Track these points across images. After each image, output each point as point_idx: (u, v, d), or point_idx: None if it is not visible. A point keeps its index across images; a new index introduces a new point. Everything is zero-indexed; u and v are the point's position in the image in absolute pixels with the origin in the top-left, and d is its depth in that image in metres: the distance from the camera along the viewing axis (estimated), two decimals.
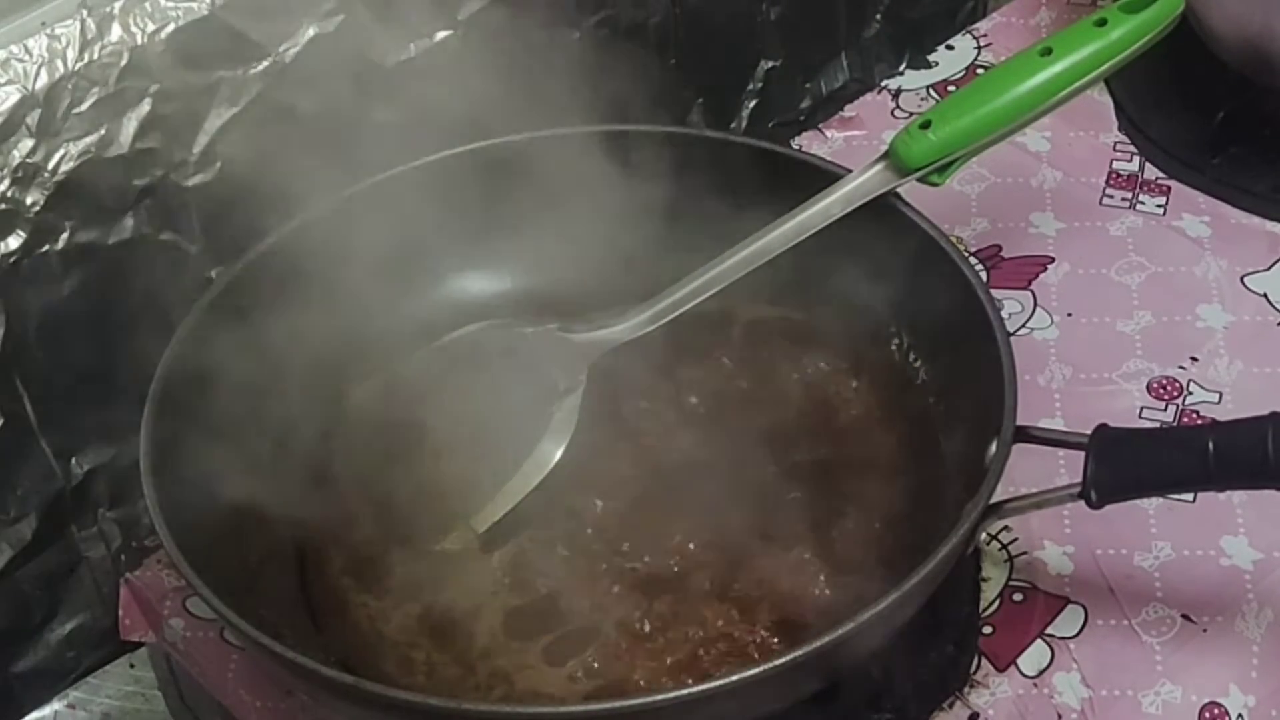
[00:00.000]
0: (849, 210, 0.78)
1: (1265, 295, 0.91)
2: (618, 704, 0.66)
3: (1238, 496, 0.80)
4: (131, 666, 0.86)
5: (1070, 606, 0.77)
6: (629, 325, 0.78)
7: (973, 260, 0.86)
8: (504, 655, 0.72)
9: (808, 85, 1.09)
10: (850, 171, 0.79)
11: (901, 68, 1.09)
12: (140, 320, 0.81)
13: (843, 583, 0.73)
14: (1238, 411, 0.82)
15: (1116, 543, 0.79)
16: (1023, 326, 0.90)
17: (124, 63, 0.77)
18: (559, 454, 0.76)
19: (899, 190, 0.79)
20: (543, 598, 0.74)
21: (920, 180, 0.78)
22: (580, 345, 0.78)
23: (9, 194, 0.75)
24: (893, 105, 1.06)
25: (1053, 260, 0.94)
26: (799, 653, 0.62)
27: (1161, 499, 0.80)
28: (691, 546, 0.75)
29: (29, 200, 0.76)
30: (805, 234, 0.78)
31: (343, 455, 0.79)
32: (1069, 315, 0.91)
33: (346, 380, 0.83)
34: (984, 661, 0.75)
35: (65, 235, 0.77)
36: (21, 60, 0.74)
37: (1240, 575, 0.78)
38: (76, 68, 0.75)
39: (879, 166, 0.78)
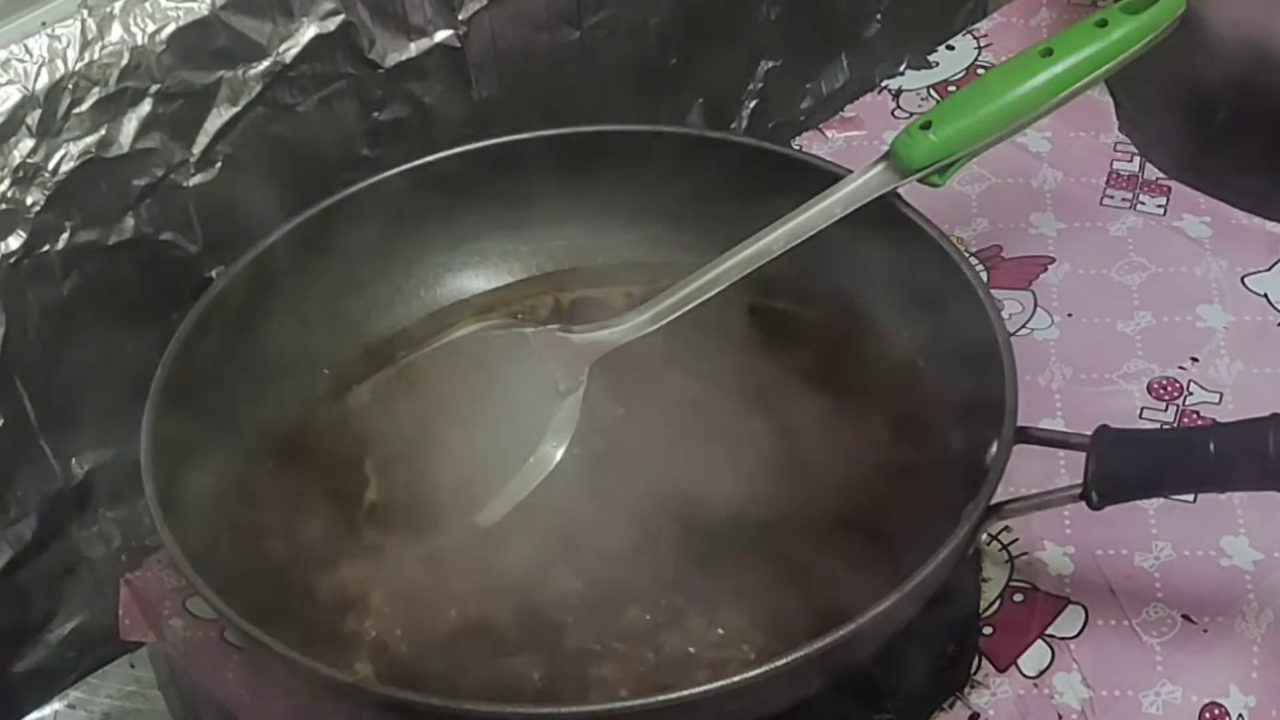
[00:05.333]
0: (850, 211, 0.78)
1: (1265, 295, 0.91)
2: (618, 704, 0.66)
3: (1238, 497, 0.80)
4: (132, 666, 0.86)
5: (1071, 607, 0.77)
6: (629, 325, 0.78)
7: (973, 260, 0.86)
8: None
9: (808, 85, 1.09)
10: (851, 172, 0.79)
11: (901, 68, 1.09)
12: (140, 320, 0.81)
13: (842, 583, 0.73)
14: (1238, 412, 0.82)
15: (1117, 543, 0.79)
16: (1023, 327, 0.90)
17: (124, 63, 0.77)
18: (560, 454, 0.76)
19: (899, 190, 0.79)
20: (534, 602, 0.74)
21: (921, 181, 0.78)
22: (580, 345, 0.78)
23: (9, 194, 0.75)
24: (893, 105, 1.06)
25: (1053, 260, 0.94)
26: (799, 653, 0.63)
27: (1162, 499, 0.80)
28: (689, 545, 0.74)
29: (29, 200, 0.76)
30: (806, 234, 0.77)
31: (343, 456, 0.79)
32: (1069, 315, 0.91)
33: (347, 380, 0.83)
34: (984, 661, 0.75)
35: (65, 235, 0.77)
36: (22, 60, 0.74)
37: (1241, 576, 0.78)
38: (76, 68, 0.75)
39: (880, 167, 0.78)
